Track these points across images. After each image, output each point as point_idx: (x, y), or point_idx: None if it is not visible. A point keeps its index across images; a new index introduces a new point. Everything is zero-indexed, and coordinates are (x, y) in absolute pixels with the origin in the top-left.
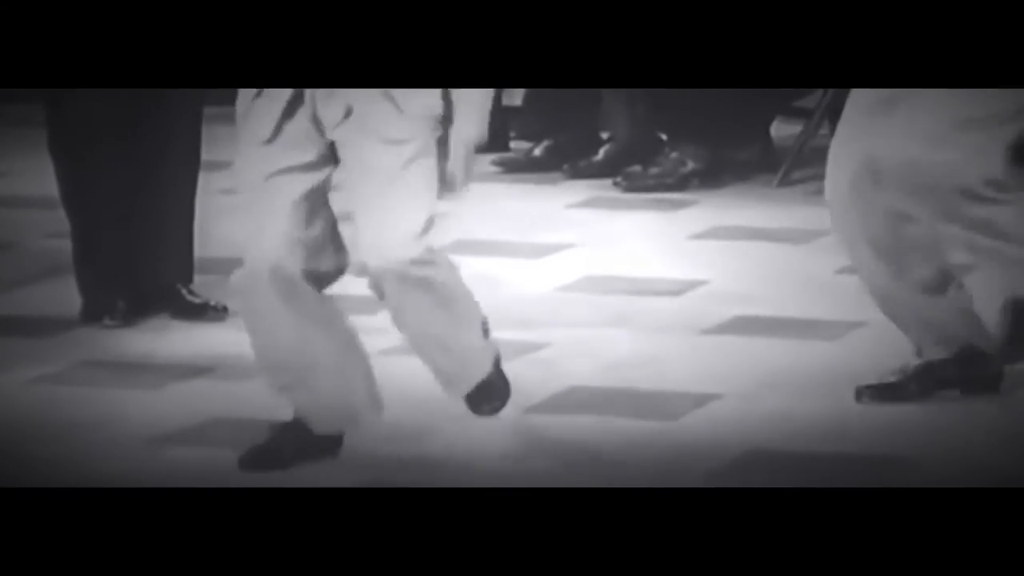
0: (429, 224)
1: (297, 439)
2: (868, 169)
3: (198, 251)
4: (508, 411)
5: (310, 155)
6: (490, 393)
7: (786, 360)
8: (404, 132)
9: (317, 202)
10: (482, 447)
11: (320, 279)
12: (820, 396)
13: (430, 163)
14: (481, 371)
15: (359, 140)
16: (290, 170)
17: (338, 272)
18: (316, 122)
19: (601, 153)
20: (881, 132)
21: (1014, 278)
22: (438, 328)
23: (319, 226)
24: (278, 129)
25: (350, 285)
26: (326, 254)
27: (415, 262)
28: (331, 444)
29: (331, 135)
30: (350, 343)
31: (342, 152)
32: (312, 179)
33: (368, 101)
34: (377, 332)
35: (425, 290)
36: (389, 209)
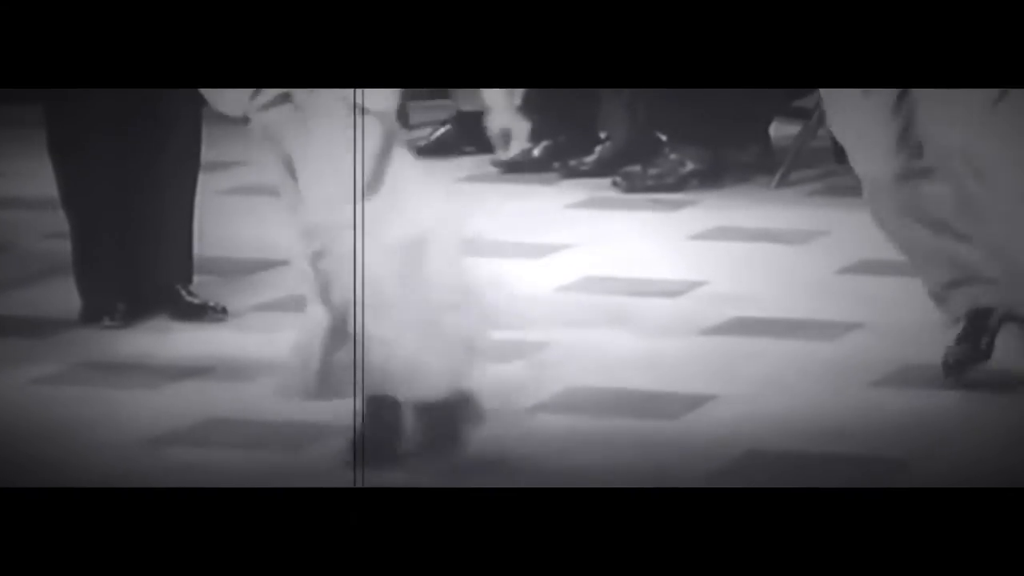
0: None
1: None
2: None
3: (198, 251)
4: (508, 411)
5: None
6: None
7: (785, 361)
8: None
9: None
10: (481, 447)
11: None
12: (819, 396)
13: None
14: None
15: None
16: None
17: None
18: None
19: (596, 152)
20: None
21: None
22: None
23: None
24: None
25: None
26: None
27: None
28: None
29: None
30: None
31: None
32: None
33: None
34: None
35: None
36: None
